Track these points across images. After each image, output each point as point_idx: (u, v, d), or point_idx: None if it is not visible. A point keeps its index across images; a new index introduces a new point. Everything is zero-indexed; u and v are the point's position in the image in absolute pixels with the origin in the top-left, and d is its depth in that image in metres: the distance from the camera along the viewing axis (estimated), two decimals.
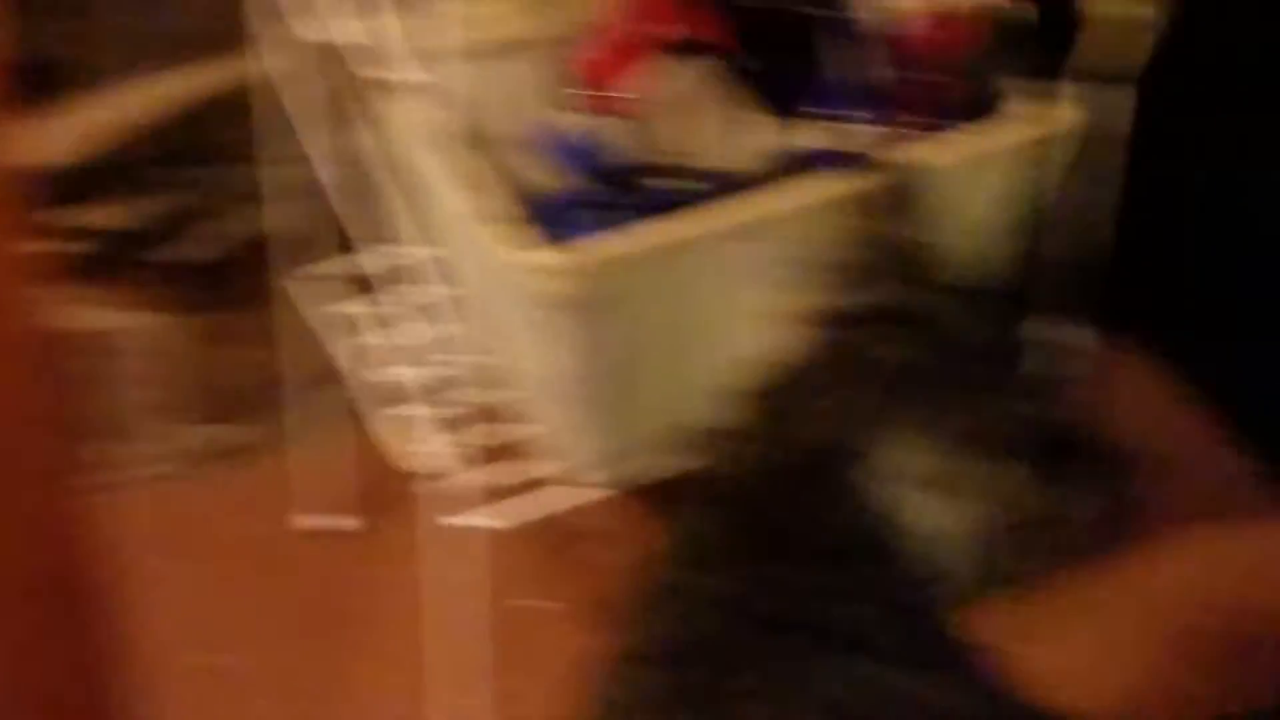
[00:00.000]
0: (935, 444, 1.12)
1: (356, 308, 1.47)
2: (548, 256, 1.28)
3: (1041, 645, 1.62)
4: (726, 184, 1.39)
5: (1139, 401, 1.86)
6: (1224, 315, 1.86)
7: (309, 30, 1.39)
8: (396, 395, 1.47)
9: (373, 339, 1.45)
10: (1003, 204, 1.40)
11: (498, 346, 1.42)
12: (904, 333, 1.13)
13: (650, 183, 1.47)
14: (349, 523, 1.71)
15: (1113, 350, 1.89)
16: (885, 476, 1.11)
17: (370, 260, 1.41)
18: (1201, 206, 1.86)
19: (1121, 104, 1.42)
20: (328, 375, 1.70)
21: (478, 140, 1.50)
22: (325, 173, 1.47)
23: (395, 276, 1.39)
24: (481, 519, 1.41)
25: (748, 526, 1.11)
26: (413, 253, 1.33)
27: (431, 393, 1.37)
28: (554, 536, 1.70)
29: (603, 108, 1.36)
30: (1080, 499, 1.19)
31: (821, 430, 1.12)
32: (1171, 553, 1.72)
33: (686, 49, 1.36)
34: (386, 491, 1.71)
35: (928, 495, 1.12)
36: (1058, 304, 1.55)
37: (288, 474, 1.70)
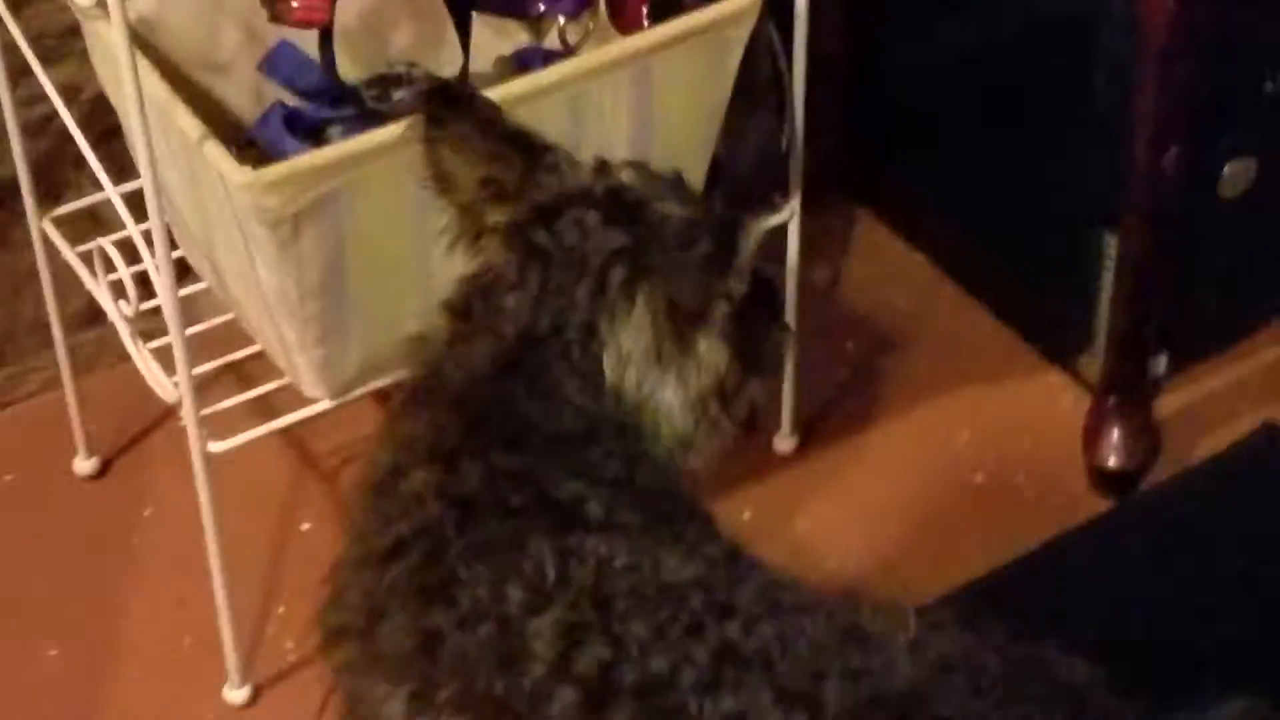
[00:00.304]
0: (651, 321, 1.13)
1: (105, 241, 1.46)
2: (256, 173, 1.28)
3: (809, 511, 1.68)
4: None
5: (885, 276, 1.91)
6: (949, 181, 1.89)
7: None
8: (143, 325, 1.48)
9: (121, 272, 1.44)
10: (699, 87, 1.41)
11: (225, 269, 1.42)
12: (607, 219, 1.14)
13: (369, 95, 1.47)
14: (107, 462, 1.72)
15: (848, 223, 1.95)
16: (602, 356, 1.13)
17: (114, 193, 1.40)
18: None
19: None
20: (91, 314, 1.71)
21: (194, 66, 1.49)
22: (64, 111, 1.45)
23: (136, 207, 1.38)
24: (228, 441, 1.42)
25: (466, 421, 1.12)
26: (147, 182, 1.32)
27: (171, 319, 1.37)
28: (292, 451, 1.71)
29: (306, 21, 1.35)
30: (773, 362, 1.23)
31: (535, 320, 1.13)
32: (936, 416, 1.77)
33: None
34: (147, 423, 1.71)
35: (642, 369, 1.14)
36: (764, 181, 1.57)
37: (62, 416, 1.69)
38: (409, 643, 1.07)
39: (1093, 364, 1.75)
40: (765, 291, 1.21)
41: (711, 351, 1.14)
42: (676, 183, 1.18)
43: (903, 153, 1.94)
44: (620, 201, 1.15)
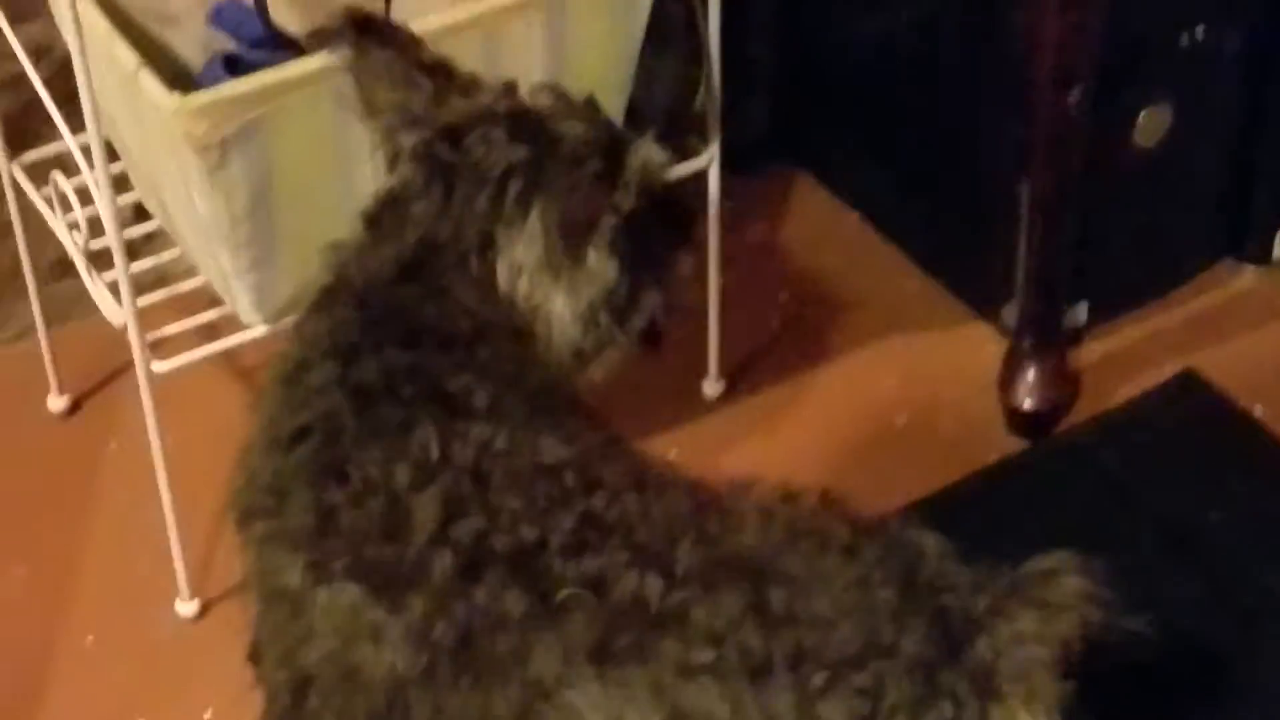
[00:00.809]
0: (543, 232, 1.22)
1: (63, 180, 1.57)
2: (183, 99, 1.39)
3: (735, 452, 1.77)
4: None
5: (818, 233, 1.99)
6: (877, 140, 1.98)
7: None
8: (101, 261, 1.58)
9: (79, 214, 1.55)
10: (611, 27, 1.50)
11: (168, 203, 1.52)
12: (510, 135, 1.23)
13: (305, 45, 1.56)
14: (78, 401, 1.83)
15: (784, 183, 2.04)
16: (496, 264, 1.22)
17: (71, 141, 1.51)
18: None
19: None
20: (67, 266, 1.81)
21: (147, 19, 1.60)
22: (28, 64, 1.56)
23: (90, 153, 1.49)
24: (170, 361, 1.52)
25: (366, 320, 1.22)
26: (97, 126, 1.42)
27: (127, 254, 1.47)
28: (244, 384, 1.82)
29: None
30: (670, 277, 1.31)
31: (436, 228, 1.23)
32: (862, 364, 1.86)
33: None
34: (117, 365, 1.81)
35: (535, 278, 1.22)
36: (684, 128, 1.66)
37: (37, 359, 1.81)
38: (309, 518, 1.17)
39: (1014, 314, 1.83)
40: (672, 211, 1.30)
41: (600, 263, 1.23)
42: (587, 105, 1.28)
43: (833, 114, 2.02)
44: (523, 120, 1.25)
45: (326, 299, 1.26)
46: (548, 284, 1.23)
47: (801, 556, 1.09)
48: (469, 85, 1.25)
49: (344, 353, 1.21)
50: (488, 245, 1.22)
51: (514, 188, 1.22)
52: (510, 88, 1.26)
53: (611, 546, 1.10)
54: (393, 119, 1.26)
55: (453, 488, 1.13)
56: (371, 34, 1.26)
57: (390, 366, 1.20)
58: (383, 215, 1.26)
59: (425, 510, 1.12)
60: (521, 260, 1.23)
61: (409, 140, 1.26)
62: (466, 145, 1.23)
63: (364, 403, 1.18)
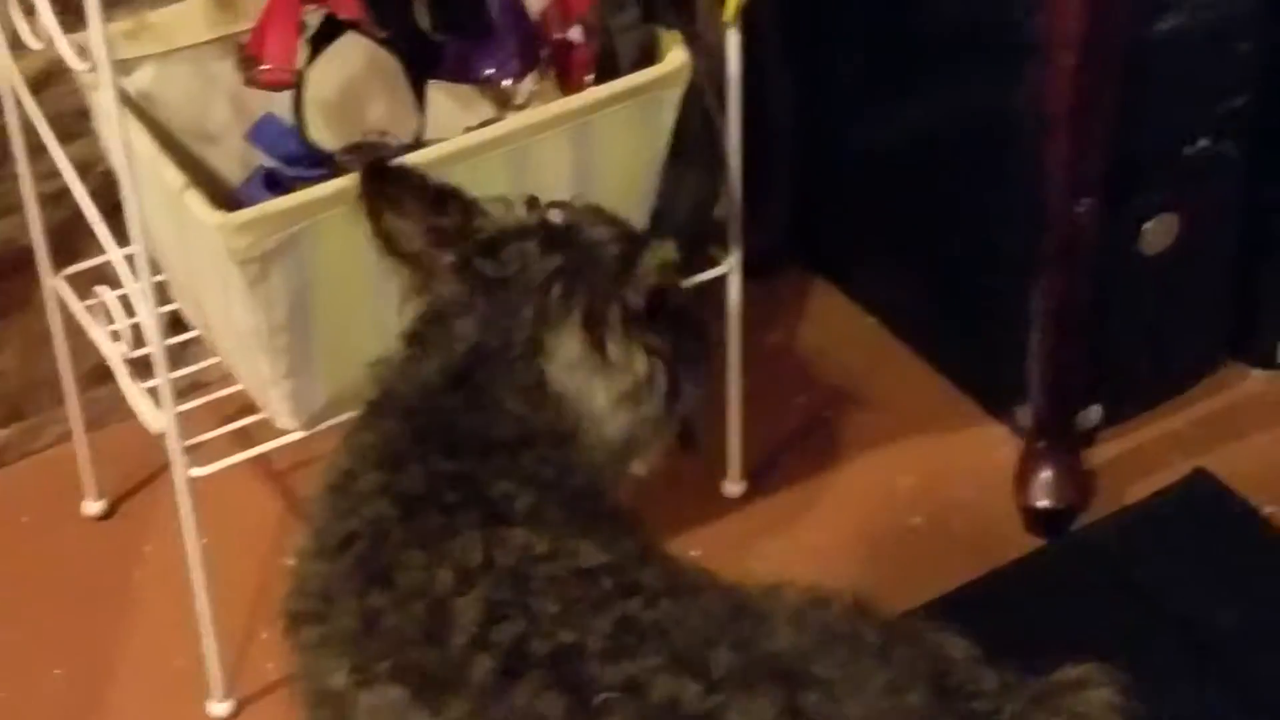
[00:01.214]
0: (584, 334, 1.27)
1: (106, 293, 1.62)
2: (228, 215, 1.45)
3: (756, 551, 1.81)
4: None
5: (835, 337, 2.05)
6: (893, 245, 2.03)
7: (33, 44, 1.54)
8: (142, 370, 1.63)
9: (120, 324, 1.60)
10: (635, 144, 1.56)
11: (209, 313, 1.57)
12: (544, 246, 1.29)
13: (346, 160, 1.62)
14: (114, 504, 1.87)
15: (801, 288, 2.09)
16: (544, 368, 1.27)
17: (116, 254, 1.56)
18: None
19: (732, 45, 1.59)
20: (104, 372, 1.86)
21: (188, 137, 1.66)
22: (72, 179, 1.62)
23: (135, 265, 1.54)
24: (208, 466, 1.57)
25: (413, 430, 1.26)
26: (143, 242, 1.48)
27: (155, 367, 1.53)
28: (279, 490, 1.86)
29: (271, 83, 1.51)
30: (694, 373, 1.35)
31: (483, 339, 1.27)
32: (879, 464, 1.90)
33: (336, 28, 1.51)
34: (154, 469, 1.85)
35: (580, 376, 1.27)
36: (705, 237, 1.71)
37: (74, 464, 1.85)
38: (353, 623, 1.20)
39: (1028, 415, 1.87)
40: (683, 316, 1.34)
41: (621, 355, 1.27)
42: (600, 211, 1.34)
43: (850, 220, 2.08)
44: (554, 230, 1.31)
45: (374, 412, 1.31)
46: (589, 380, 1.28)
47: (834, 660, 1.13)
48: (487, 208, 1.31)
49: (391, 462, 1.26)
50: (535, 351, 1.27)
51: (555, 292, 1.27)
52: (533, 202, 1.32)
53: (648, 650, 1.13)
54: (425, 242, 1.31)
55: (493, 592, 1.17)
56: (384, 175, 1.32)
57: (435, 474, 1.24)
58: (426, 331, 1.31)
59: (466, 614, 1.16)
60: (568, 360, 1.27)
61: (446, 258, 1.31)
62: (504, 258, 1.29)
63: (409, 510, 1.23)
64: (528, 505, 1.22)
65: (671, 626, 1.15)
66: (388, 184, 1.31)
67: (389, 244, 1.32)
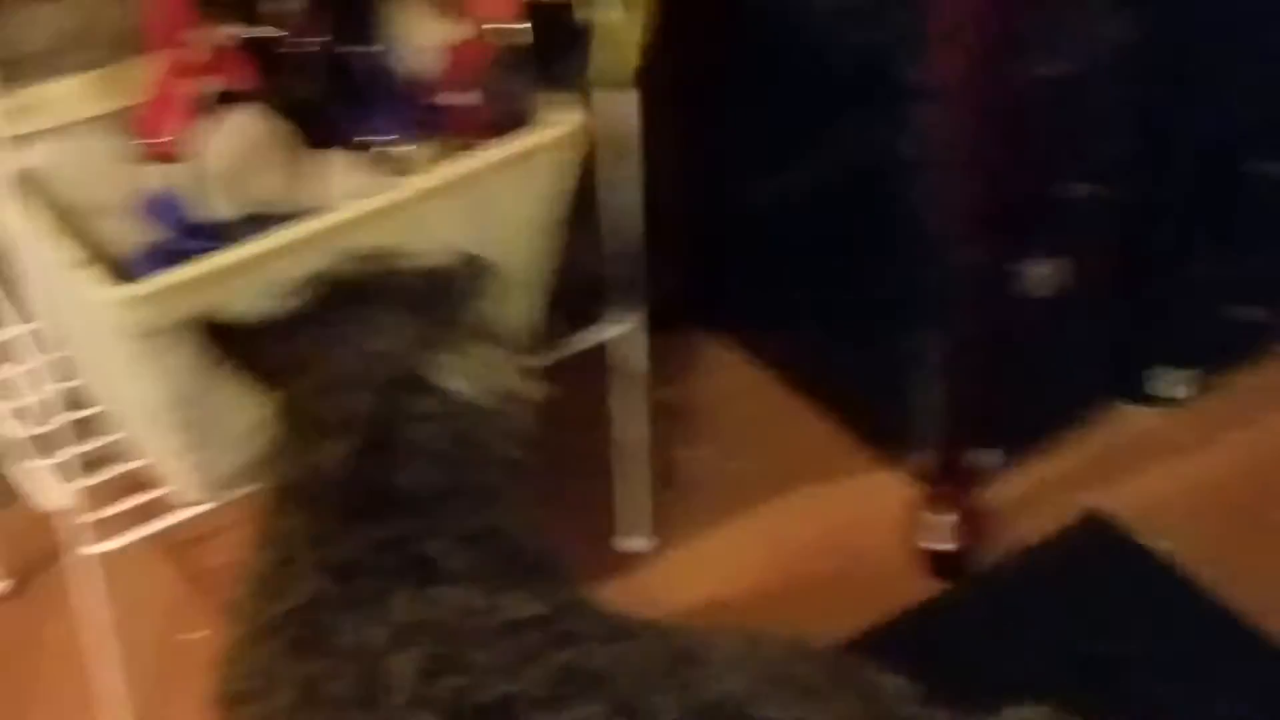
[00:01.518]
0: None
1: (11, 373, 1.61)
2: (120, 290, 1.44)
3: (666, 602, 1.82)
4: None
5: (734, 392, 2.08)
6: (786, 303, 2.07)
7: None
8: (30, 450, 1.63)
9: (25, 399, 1.60)
10: (533, 202, 1.58)
11: (103, 389, 1.57)
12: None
13: (237, 232, 1.63)
14: (24, 581, 1.87)
15: (698, 346, 2.13)
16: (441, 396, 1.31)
17: (17, 329, 1.56)
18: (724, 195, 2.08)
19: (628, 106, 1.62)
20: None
21: (85, 212, 1.66)
22: None
23: (19, 344, 1.54)
24: (108, 543, 1.56)
25: (339, 506, 1.28)
26: (29, 321, 1.48)
27: (57, 444, 1.52)
28: (177, 556, 1.86)
29: (163, 156, 1.52)
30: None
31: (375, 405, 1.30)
32: (780, 514, 1.94)
33: (229, 99, 1.53)
34: (38, 543, 1.82)
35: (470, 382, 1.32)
36: (594, 288, 1.74)
37: None
38: (293, 693, 1.21)
39: (924, 460, 1.91)
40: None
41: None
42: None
43: (744, 273, 2.12)
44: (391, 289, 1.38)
45: (289, 495, 1.32)
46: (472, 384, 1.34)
47: (779, 702, 1.15)
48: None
49: (323, 540, 1.27)
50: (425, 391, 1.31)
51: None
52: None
53: (590, 698, 1.15)
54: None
55: (430, 648, 1.18)
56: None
57: (369, 543, 1.25)
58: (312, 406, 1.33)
59: (403, 672, 1.17)
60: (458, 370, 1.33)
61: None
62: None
63: (345, 579, 1.24)
64: (461, 563, 1.24)
65: (613, 673, 1.16)
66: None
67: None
